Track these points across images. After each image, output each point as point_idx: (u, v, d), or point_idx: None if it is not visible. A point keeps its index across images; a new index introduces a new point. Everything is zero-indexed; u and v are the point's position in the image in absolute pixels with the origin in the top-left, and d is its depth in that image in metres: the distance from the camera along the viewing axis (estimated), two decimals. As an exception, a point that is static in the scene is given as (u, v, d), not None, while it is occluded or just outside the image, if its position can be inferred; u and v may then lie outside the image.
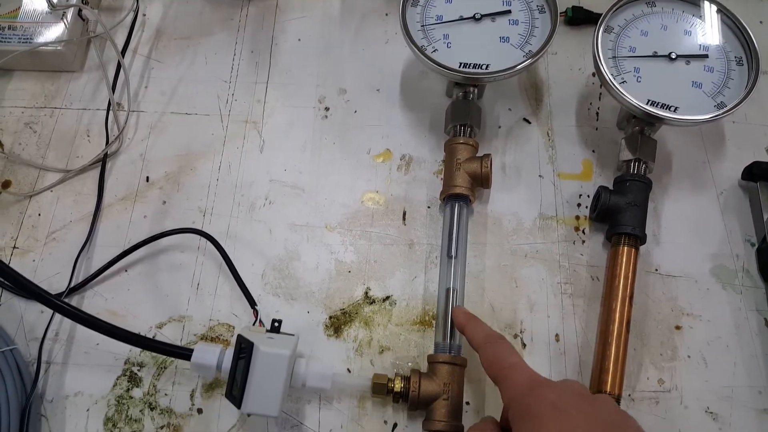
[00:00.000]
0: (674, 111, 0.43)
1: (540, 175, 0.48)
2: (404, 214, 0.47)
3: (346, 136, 0.50)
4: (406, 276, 0.45)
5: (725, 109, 0.43)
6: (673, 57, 0.44)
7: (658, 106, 0.43)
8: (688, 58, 0.44)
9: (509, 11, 0.46)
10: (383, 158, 0.49)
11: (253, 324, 0.40)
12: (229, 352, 0.37)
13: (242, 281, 0.42)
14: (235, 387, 0.36)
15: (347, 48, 0.53)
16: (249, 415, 0.38)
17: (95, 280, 0.44)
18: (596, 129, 0.50)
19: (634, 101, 0.43)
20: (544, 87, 0.51)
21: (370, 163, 0.49)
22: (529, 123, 0.50)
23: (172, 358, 0.42)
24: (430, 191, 0.48)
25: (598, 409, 0.31)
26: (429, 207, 0.47)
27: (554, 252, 0.46)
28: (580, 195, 0.47)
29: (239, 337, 0.37)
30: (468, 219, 0.46)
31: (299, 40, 0.54)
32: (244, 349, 0.36)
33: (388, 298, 0.44)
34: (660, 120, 0.43)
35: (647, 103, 0.43)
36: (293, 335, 0.40)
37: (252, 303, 0.40)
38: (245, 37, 0.54)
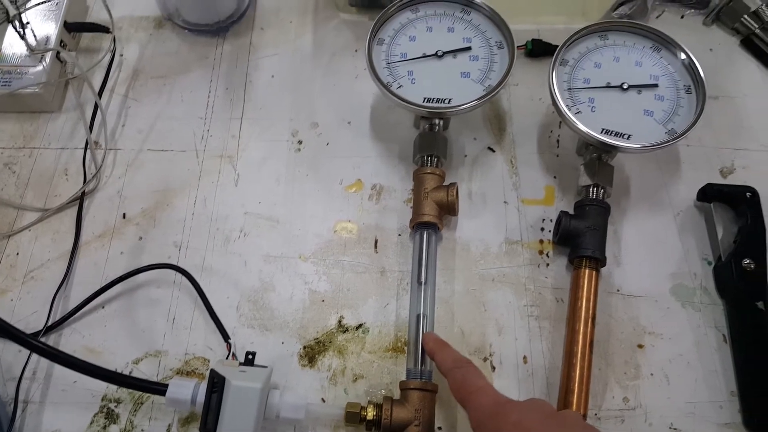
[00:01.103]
0: (627, 139, 0.45)
1: (505, 201, 0.50)
2: (376, 242, 0.49)
3: (319, 167, 0.51)
4: (379, 303, 0.46)
5: (675, 135, 0.45)
6: (625, 87, 0.47)
7: (612, 135, 0.45)
8: (640, 87, 0.47)
9: (470, 48, 0.48)
10: (355, 188, 0.50)
11: (227, 357, 0.41)
12: (203, 387, 0.38)
13: (215, 315, 0.43)
14: (209, 421, 0.37)
15: (318, 83, 0.55)
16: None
17: (72, 318, 0.45)
18: (557, 156, 0.52)
19: (589, 131, 0.45)
20: (507, 117, 0.54)
21: (343, 193, 0.50)
22: (494, 151, 0.52)
23: (149, 394, 0.43)
24: (401, 219, 0.49)
25: (563, 425, 0.32)
26: (400, 235, 0.49)
27: (520, 275, 0.47)
28: (543, 219, 0.49)
29: (212, 371, 0.38)
30: (437, 246, 0.47)
31: (272, 76, 0.56)
32: (216, 384, 0.37)
33: (361, 326, 0.46)
34: (614, 148, 0.46)
35: (601, 132, 0.45)
36: (266, 367, 0.41)
37: (225, 336, 0.41)
38: (220, 75, 0.56)
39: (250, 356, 0.41)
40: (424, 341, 0.42)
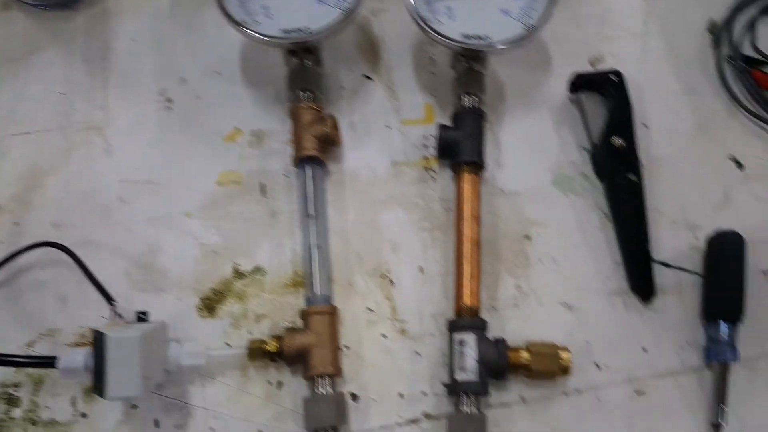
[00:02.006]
0: (487, 40, 0.46)
1: (387, 126, 0.50)
2: (262, 186, 0.48)
3: (193, 122, 0.50)
4: (273, 245, 0.46)
5: (533, 29, 0.46)
6: (479, -11, 0.47)
7: (472, 38, 0.46)
8: (493, -12, 0.48)
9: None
10: (233, 137, 0.50)
11: (110, 318, 0.40)
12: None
13: (96, 280, 0.41)
14: (96, 379, 0.36)
15: (182, 39, 0.53)
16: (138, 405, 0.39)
17: (-46, 313, 0.43)
18: (433, 74, 0.52)
19: (449, 38, 0.45)
20: (380, 43, 0.53)
21: (221, 144, 0.49)
22: (371, 79, 0.52)
23: (48, 372, 0.42)
24: (285, 160, 0.49)
25: None
26: (286, 176, 0.48)
27: (409, 194, 0.48)
28: (426, 137, 0.50)
29: (93, 331, 0.37)
30: (322, 178, 0.47)
31: (133, 40, 0.53)
32: (97, 341, 0.36)
33: (257, 269, 0.45)
34: (477, 51, 0.46)
35: (462, 37, 0.46)
36: (159, 322, 0.40)
37: (109, 300, 0.40)
38: (78, 48, 0.53)
39: (142, 315, 0.41)
40: None
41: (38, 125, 0.50)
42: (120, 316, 0.40)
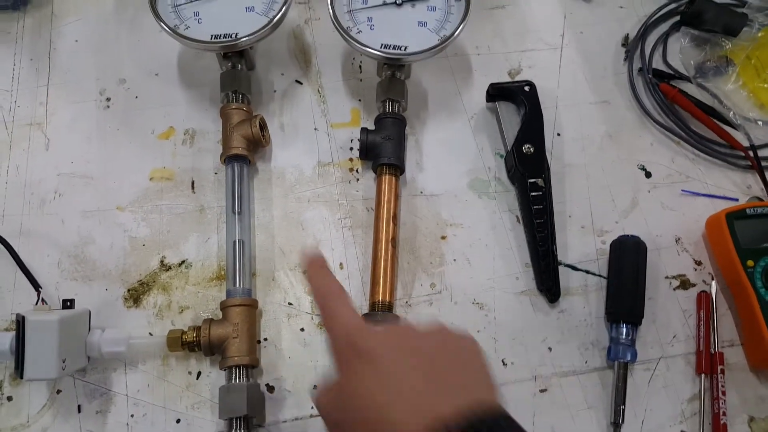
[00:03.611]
0: (404, 50, 0.49)
1: (315, 128, 0.53)
2: (193, 183, 0.50)
3: (129, 121, 0.52)
4: (200, 239, 0.49)
5: (446, 39, 0.48)
6: (399, 2, 0.50)
7: (390, 48, 0.48)
8: (413, 1, 0.50)
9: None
10: (167, 135, 0.52)
11: (36, 304, 0.42)
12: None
13: (24, 266, 0.44)
14: (17, 360, 0.38)
15: (124, 40, 0.56)
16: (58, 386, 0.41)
17: None
18: (360, 80, 0.55)
19: (369, 47, 0.48)
20: (311, 50, 0.56)
21: (156, 142, 0.52)
22: (301, 84, 0.55)
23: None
24: (216, 158, 0.51)
25: (418, 354, 0.30)
26: (216, 173, 0.51)
27: (333, 193, 0.51)
28: (352, 140, 0.52)
29: (17, 315, 0.39)
30: (249, 176, 0.50)
31: (76, 41, 0.55)
32: (18, 324, 0.38)
33: (183, 262, 0.48)
34: (395, 60, 0.49)
35: (381, 47, 0.48)
36: (82, 309, 0.43)
37: (35, 286, 0.43)
38: (23, 47, 0.55)
39: (68, 303, 0.43)
40: (304, 264, 0.41)
41: (-19, 120, 0.53)
42: (44, 302, 0.42)
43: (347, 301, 0.34)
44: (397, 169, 0.49)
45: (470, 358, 0.31)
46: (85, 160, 0.51)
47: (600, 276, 0.49)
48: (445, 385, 0.29)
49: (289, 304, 0.47)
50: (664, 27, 0.57)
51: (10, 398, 0.43)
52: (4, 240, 0.45)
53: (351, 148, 0.52)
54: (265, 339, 0.46)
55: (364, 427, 0.29)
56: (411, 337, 0.32)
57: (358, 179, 0.51)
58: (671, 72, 0.56)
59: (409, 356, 0.30)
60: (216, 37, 0.48)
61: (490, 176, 0.51)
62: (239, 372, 0.43)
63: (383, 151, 0.49)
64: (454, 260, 0.48)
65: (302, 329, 0.46)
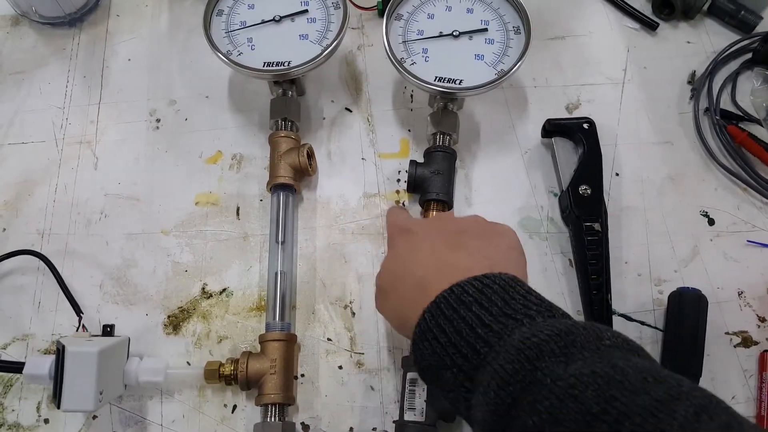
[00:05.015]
0: (459, 83, 0.47)
1: (363, 158, 0.52)
2: (237, 209, 0.50)
3: (178, 143, 0.52)
4: (242, 267, 0.48)
5: (503, 75, 0.47)
6: (456, 34, 0.48)
7: (445, 81, 0.47)
8: (471, 33, 0.48)
9: (306, 11, 0.49)
10: (215, 160, 0.52)
11: (77, 330, 0.42)
12: (58, 360, 0.39)
13: (68, 291, 0.44)
14: (55, 389, 0.38)
15: (176, 61, 0.56)
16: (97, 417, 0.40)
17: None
18: (411, 110, 0.54)
19: (422, 79, 0.47)
20: (362, 77, 0.55)
21: (203, 166, 0.51)
22: (351, 111, 0.54)
23: (18, 376, 0.44)
24: (262, 185, 0.50)
25: (442, 222, 0.37)
26: (261, 200, 0.50)
27: (378, 226, 0.49)
28: (399, 171, 0.51)
29: (57, 342, 0.39)
30: (295, 205, 0.49)
31: (129, 60, 0.56)
32: (58, 352, 0.38)
33: (224, 290, 0.47)
34: (449, 94, 0.47)
35: (435, 80, 0.47)
36: (122, 337, 0.42)
37: (77, 311, 0.42)
38: (77, 64, 0.56)
39: (108, 328, 0.43)
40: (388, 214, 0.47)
41: (34, 136, 0.53)
42: (85, 328, 0.42)
43: (408, 213, 0.45)
44: (445, 204, 0.48)
45: (500, 240, 0.37)
46: (132, 181, 0.51)
47: (656, 328, 0.46)
48: (466, 254, 0.34)
49: (328, 339, 0.46)
50: (734, 65, 0.54)
51: (47, 421, 0.43)
52: (50, 263, 0.45)
53: (398, 180, 0.51)
54: (302, 375, 0.44)
55: (402, 284, 0.35)
56: (448, 221, 0.39)
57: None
58: (740, 113, 0.53)
59: (442, 232, 0.37)
60: (268, 64, 0.47)
61: (543, 215, 0.49)
62: (275, 410, 0.42)
63: (432, 185, 0.48)
64: (502, 304, 0.47)
65: (340, 367, 0.45)
